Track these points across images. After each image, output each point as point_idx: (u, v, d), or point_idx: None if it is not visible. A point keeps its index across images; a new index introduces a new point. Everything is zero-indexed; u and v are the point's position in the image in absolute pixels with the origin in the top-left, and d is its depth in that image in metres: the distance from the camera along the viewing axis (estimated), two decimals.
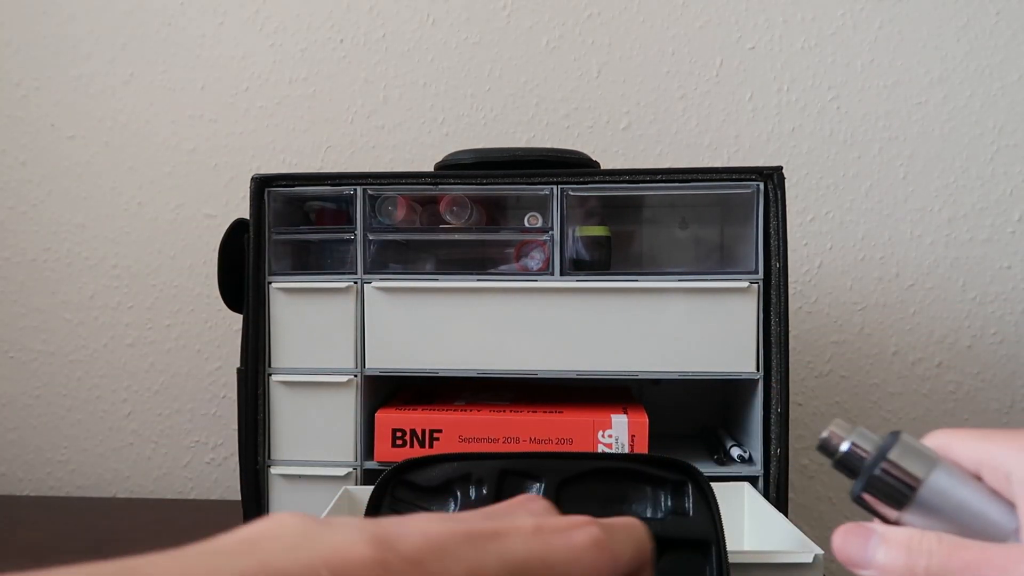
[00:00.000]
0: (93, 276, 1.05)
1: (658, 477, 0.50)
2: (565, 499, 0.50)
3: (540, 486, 0.50)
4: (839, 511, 1.00)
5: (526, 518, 0.28)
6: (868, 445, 0.33)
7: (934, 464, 0.31)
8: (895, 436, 0.32)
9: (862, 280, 0.99)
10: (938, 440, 0.33)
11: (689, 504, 0.49)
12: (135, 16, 1.03)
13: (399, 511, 0.50)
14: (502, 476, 0.50)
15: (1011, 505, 0.30)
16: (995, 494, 0.31)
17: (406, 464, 0.51)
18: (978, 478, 0.31)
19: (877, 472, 0.32)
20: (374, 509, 0.49)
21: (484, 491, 0.50)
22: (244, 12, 1.03)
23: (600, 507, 0.50)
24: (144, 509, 0.95)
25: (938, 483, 0.31)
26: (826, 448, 0.34)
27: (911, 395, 0.99)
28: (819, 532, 0.99)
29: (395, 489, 0.50)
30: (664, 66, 1.00)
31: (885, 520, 0.32)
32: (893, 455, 0.31)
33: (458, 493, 0.50)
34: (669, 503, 0.49)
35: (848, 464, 0.33)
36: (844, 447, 0.33)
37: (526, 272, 0.71)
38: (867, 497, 0.32)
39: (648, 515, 0.49)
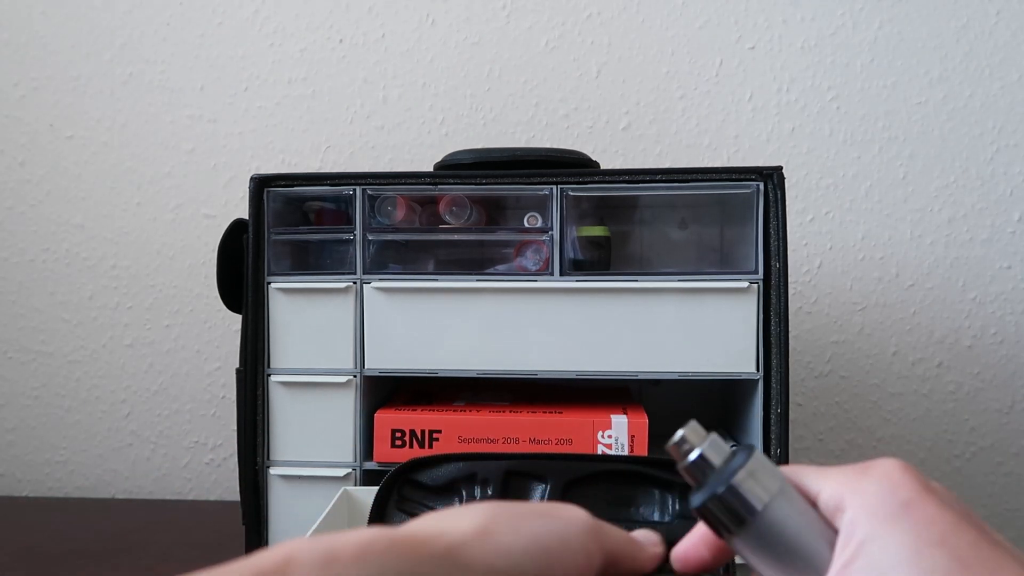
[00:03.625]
0: (92, 276, 1.04)
1: (666, 480, 0.50)
2: (570, 500, 0.50)
3: (545, 487, 0.50)
4: None
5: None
6: (718, 459, 0.31)
7: (777, 493, 0.30)
8: (746, 455, 0.31)
9: (862, 280, 0.99)
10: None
11: None
12: (134, 16, 1.03)
13: (405, 510, 0.50)
14: (507, 477, 0.50)
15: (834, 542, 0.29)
16: (826, 530, 0.29)
17: (413, 463, 0.51)
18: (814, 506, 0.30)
19: (720, 491, 0.30)
20: (380, 507, 0.49)
21: (489, 491, 0.50)
22: (243, 12, 1.02)
23: (606, 509, 0.50)
24: (143, 510, 0.95)
25: (775, 513, 0.29)
26: (676, 450, 0.32)
27: (911, 395, 0.99)
28: None
29: (401, 488, 0.50)
30: (664, 66, 1.00)
31: (719, 534, 0.31)
32: (739, 477, 0.30)
33: (463, 492, 0.50)
34: (677, 506, 0.49)
35: (694, 473, 0.32)
36: (693, 455, 0.32)
37: (525, 272, 0.71)
38: (706, 511, 0.31)
39: (655, 518, 0.49)
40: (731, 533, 0.30)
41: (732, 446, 0.31)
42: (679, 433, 0.32)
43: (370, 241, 0.70)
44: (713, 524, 0.31)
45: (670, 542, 0.48)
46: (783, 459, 0.66)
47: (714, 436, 0.32)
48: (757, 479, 0.30)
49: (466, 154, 0.73)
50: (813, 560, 0.29)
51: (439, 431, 0.68)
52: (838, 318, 0.99)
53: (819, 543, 0.29)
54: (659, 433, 0.69)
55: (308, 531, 0.54)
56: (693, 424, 0.32)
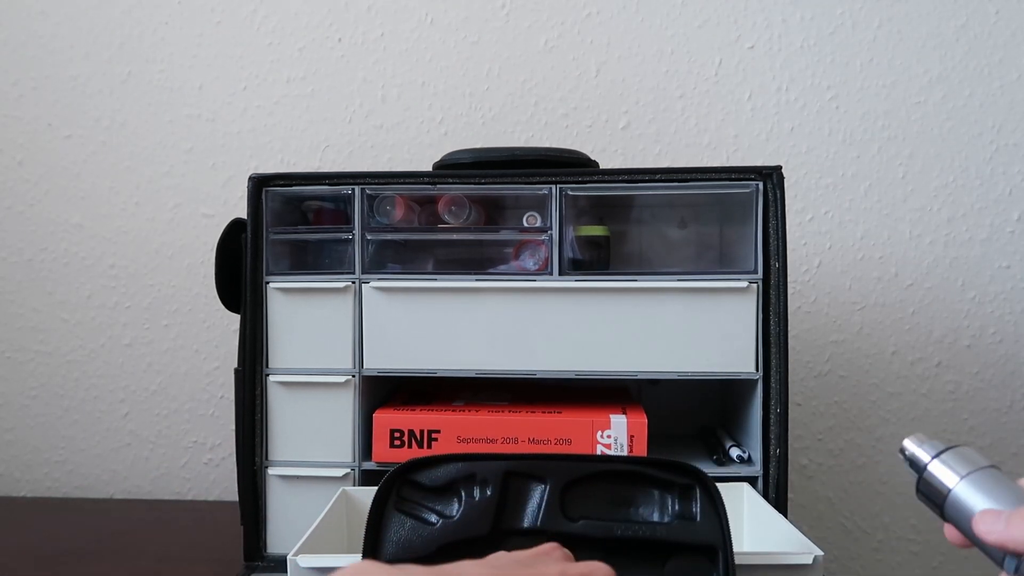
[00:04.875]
0: (90, 276, 1.04)
1: (665, 480, 0.50)
2: (570, 501, 0.50)
3: (544, 487, 0.50)
4: (838, 511, 0.99)
5: (552, 565, 0.34)
6: (930, 451, 0.40)
7: (965, 475, 0.38)
8: (948, 448, 0.40)
9: (861, 280, 0.99)
10: None
11: (697, 509, 0.49)
12: (132, 15, 1.03)
13: (404, 510, 0.50)
14: (507, 477, 0.50)
15: None
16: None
17: (412, 463, 0.51)
18: None
19: (924, 474, 0.40)
20: (379, 507, 0.49)
21: (488, 492, 0.50)
22: (242, 11, 1.02)
23: (606, 509, 0.49)
24: (142, 510, 0.95)
25: (965, 489, 0.38)
26: (903, 451, 0.42)
27: (910, 395, 0.99)
28: (818, 532, 0.99)
29: (400, 488, 0.50)
30: (663, 65, 0.99)
31: (933, 509, 0.40)
32: (931, 467, 0.39)
33: (462, 493, 0.50)
34: (676, 507, 0.49)
35: (912, 468, 0.41)
36: (906, 453, 0.42)
37: (525, 272, 0.70)
38: (919, 494, 0.40)
39: (655, 518, 0.49)
40: (938, 507, 0.39)
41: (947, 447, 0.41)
42: (907, 440, 0.42)
43: (369, 241, 0.70)
44: (927, 501, 0.40)
45: (669, 543, 0.48)
46: (782, 459, 0.66)
47: (928, 442, 0.41)
48: (951, 467, 0.39)
49: (465, 153, 0.73)
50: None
51: (438, 431, 0.68)
52: (837, 318, 0.99)
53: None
54: (658, 433, 0.69)
55: (306, 531, 0.54)
56: (918, 434, 0.42)
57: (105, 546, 0.81)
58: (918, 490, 0.40)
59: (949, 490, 0.38)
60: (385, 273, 0.70)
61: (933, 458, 0.40)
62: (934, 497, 0.39)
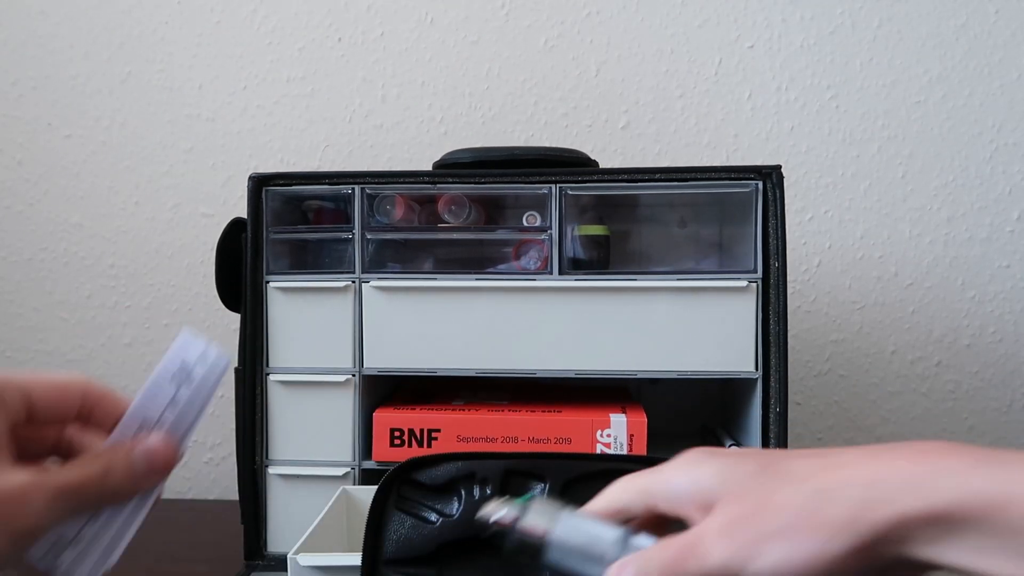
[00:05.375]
0: (90, 276, 1.04)
1: None
2: (570, 500, 0.50)
3: (544, 486, 0.50)
4: None
5: None
6: (513, 513, 0.39)
7: (549, 527, 0.38)
8: (524, 508, 0.39)
9: (861, 279, 0.99)
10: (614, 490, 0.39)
11: None
12: (132, 15, 1.03)
13: (404, 509, 0.50)
14: (507, 476, 0.50)
15: (617, 527, 0.37)
16: (605, 523, 0.38)
17: (412, 462, 0.51)
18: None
19: (516, 535, 0.38)
20: (380, 506, 0.49)
21: (488, 490, 0.50)
22: (242, 11, 1.02)
23: None
24: None
25: (557, 536, 0.37)
26: (488, 522, 0.39)
27: (910, 394, 0.99)
28: None
29: (400, 487, 0.50)
30: (663, 65, 0.99)
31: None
32: (519, 524, 0.38)
33: (462, 492, 0.50)
34: None
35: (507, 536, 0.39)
36: (493, 518, 0.39)
37: (524, 271, 0.71)
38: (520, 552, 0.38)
39: None
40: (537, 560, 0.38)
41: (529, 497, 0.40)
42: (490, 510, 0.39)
43: (369, 240, 0.70)
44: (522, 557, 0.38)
45: None
46: None
47: (501, 507, 0.39)
48: (531, 522, 0.38)
49: (465, 153, 0.73)
50: (599, 544, 0.37)
51: (438, 430, 0.68)
52: (837, 317, 0.99)
53: (606, 528, 0.38)
54: (658, 432, 0.69)
55: (307, 530, 0.54)
56: (499, 499, 0.40)
57: None
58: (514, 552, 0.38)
59: (546, 542, 0.37)
60: (385, 272, 0.70)
61: (516, 521, 0.38)
62: (536, 554, 0.38)
